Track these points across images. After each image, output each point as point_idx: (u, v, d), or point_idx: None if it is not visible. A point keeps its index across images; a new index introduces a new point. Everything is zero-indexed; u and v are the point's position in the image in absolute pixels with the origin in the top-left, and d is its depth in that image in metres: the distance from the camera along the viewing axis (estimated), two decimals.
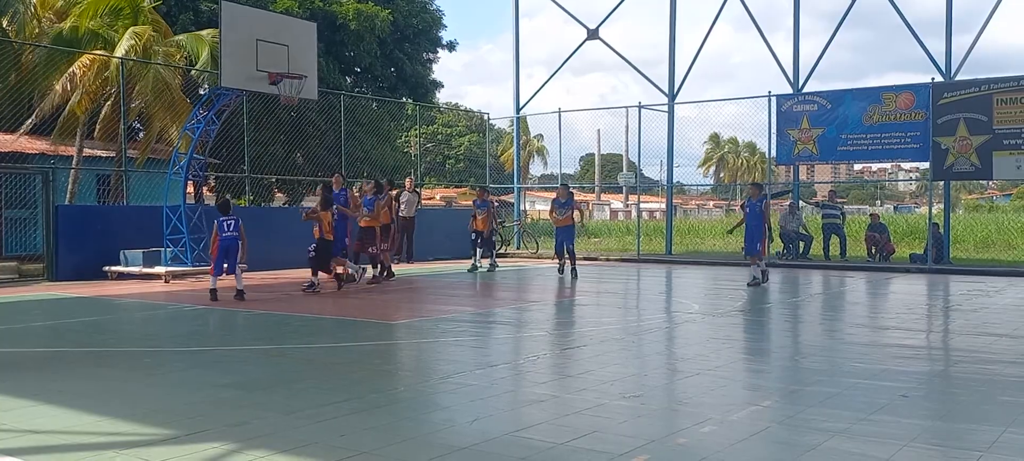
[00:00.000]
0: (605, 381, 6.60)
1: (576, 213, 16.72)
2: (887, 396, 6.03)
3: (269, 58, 14.97)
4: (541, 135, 58.30)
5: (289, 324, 10.01)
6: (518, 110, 25.86)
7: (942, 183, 20.31)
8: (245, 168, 20.13)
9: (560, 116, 24.71)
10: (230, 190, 25.92)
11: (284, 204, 29.07)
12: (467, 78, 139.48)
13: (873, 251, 20.77)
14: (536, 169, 61.42)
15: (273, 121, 23.79)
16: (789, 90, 21.42)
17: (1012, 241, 25.94)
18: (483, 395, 6.14)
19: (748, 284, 14.30)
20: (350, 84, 29.23)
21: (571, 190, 17.43)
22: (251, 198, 24.87)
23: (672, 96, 23.13)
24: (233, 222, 12.39)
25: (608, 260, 22.60)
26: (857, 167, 36.30)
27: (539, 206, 48.27)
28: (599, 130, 38.55)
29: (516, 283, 16.10)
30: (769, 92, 21.19)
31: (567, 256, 16.22)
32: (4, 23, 19.23)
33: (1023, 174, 19.24)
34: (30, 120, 19.20)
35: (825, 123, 20.47)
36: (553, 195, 17.88)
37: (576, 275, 15.96)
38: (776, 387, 6.60)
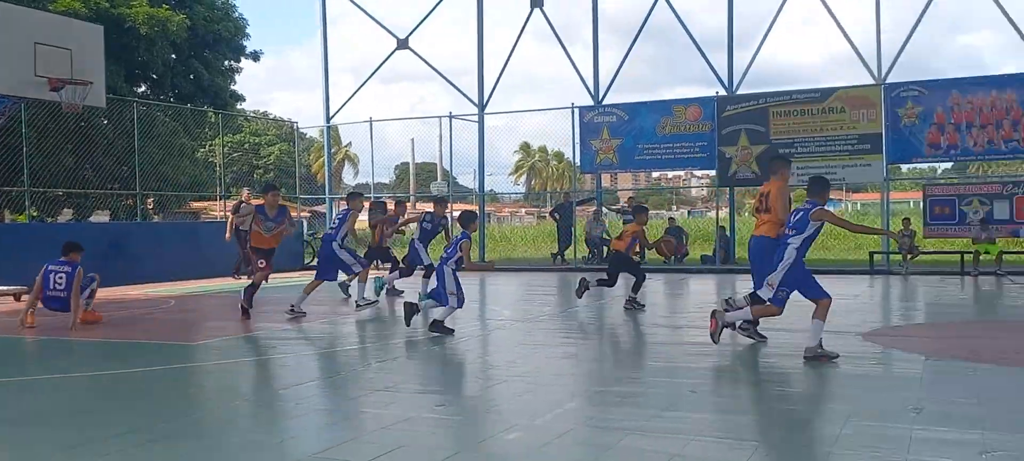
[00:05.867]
0: (414, 392, 6.60)
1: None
2: (678, 393, 6.43)
3: (49, 62, 13.84)
4: (350, 142, 57.54)
5: (76, 350, 9.27)
6: (328, 119, 25.37)
7: (727, 189, 21.84)
8: (24, 182, 18.46)
9: (371, 125, 24.47)
10: (8, 206, 23.70)
11: (72, 220, 26.92)
12: (273, 84, 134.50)
13: (667, 253, 21.99)
14: (348, 178, 60.51)
15: (63, 130, 21.96)
16: (591, 102, 22.35)
17: None
18: (290, 414, 5.97)
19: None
20: (143, 93, 27.56)
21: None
22: (34, 213, 22.88)
23: (482, 106, 23.51)
24: None
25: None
26: (655, 175, 38.31)
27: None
28: (413, 139, 38.56)
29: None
30: (572, 104, 22.01)
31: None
32: None
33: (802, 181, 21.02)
34: None
35: (623, 134, 21.51)
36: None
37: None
38: (582, 390, 6.86)
